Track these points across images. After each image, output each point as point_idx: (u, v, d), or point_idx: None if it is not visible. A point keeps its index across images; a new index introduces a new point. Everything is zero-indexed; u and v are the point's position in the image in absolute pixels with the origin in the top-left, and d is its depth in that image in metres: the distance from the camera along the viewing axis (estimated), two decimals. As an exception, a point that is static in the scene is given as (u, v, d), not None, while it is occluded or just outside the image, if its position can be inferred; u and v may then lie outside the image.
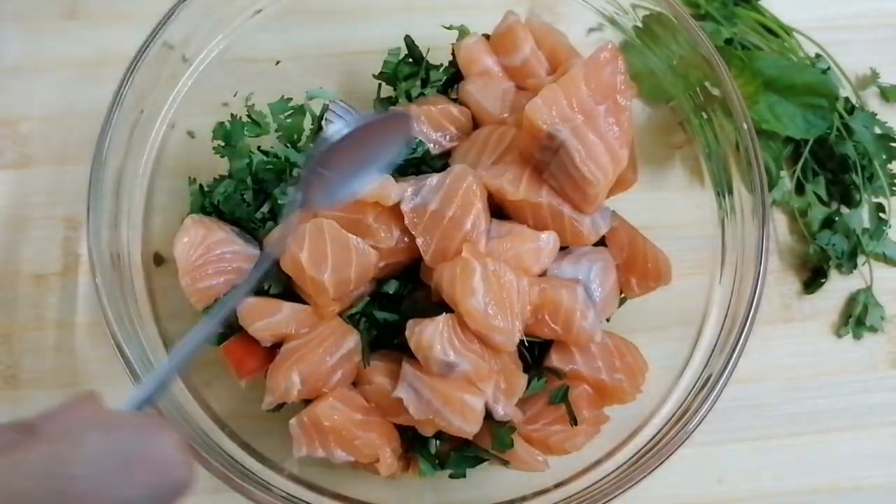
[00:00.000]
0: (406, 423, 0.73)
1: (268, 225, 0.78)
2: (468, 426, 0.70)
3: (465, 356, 0.69)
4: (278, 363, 0.73)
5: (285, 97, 0.83)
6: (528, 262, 0.74)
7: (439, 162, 0.81)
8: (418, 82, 0.86)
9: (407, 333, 0.70)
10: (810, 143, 0.96)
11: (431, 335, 0.68)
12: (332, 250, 0.71)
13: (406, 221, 0.73)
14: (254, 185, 0.80)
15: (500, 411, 0.72)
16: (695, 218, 0.85)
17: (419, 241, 0.73)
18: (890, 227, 0.96)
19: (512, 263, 0.73)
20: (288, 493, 0.71)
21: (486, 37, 0.85)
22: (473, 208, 0.72)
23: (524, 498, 0.75)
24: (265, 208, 0.79)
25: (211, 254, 0.74)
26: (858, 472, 0.90)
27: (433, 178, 0.73)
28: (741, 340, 0.72)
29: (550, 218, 0.75)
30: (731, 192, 0.81)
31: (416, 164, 0.81)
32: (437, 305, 0.73)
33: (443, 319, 0.69)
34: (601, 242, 0.80)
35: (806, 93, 0.93)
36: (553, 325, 0.73)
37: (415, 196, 0.73)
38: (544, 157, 0.73)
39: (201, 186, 0.80)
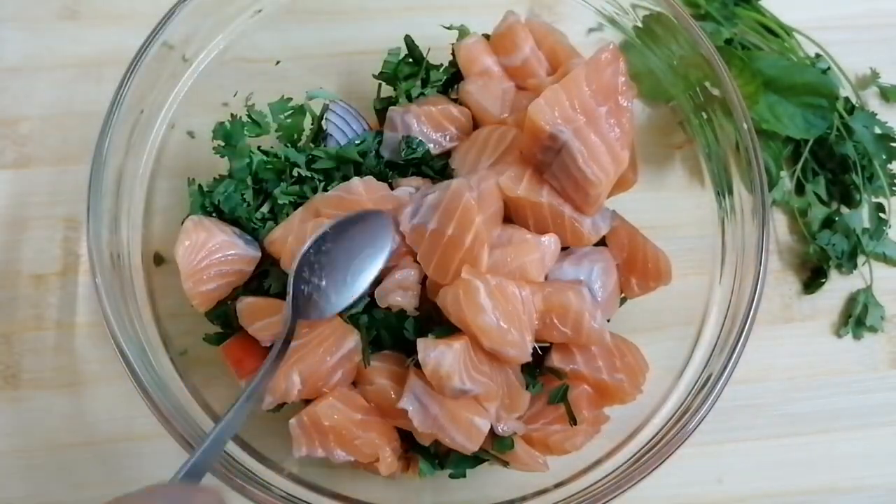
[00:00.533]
0: (405, 428, 0.73)
1: (268, 224, 0.78)
2: (470, 444, 0.71)
3: (477, 381, 0.69)
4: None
5: (285, 97, 0.83)
6: (533, 273, 0.74)
7: (439, 162, 0.81)
8: (418, 82, 0.86)
9: (420, 357, 0.69)
10: (810, 143, 0.96)
11: (451, 366, 0.67)
12: (333, 248, 0.71)
13: (407, 241, 0.73)
14: (254, 185, 0.80)
15: (501, 429, 0.72)
16: (695, 218, 0.85)
17: (421, 261, 0.73)
18: (890, 227, 0.96)
19: (516, 275, 0.73)
20: (288, 493, 0.71)
21: (486, 37, 0.85)
22: (472, 226, 0.71)
23: (524, 498, 0.75)
24: (265, 208, 0.79)
25: (212, 257, 0.74)
26: (858, 472, 0.90)
27: (431, 195, 0.73)
28: (741, 340, 0.72)
29: (551, 218, 0.75)
30: (731, 192, 0.81)
31: (417, 164, 0.81)
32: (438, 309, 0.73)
33: (459, 346, 0.68)
34: (601, 242, 0.80)
35: (806, 93, 0.93)
36: (562, 328, 0.73)
37: (413, 216, 0.73)
38: (546, 158, 0.73)
39: (200, 187, 0.80)
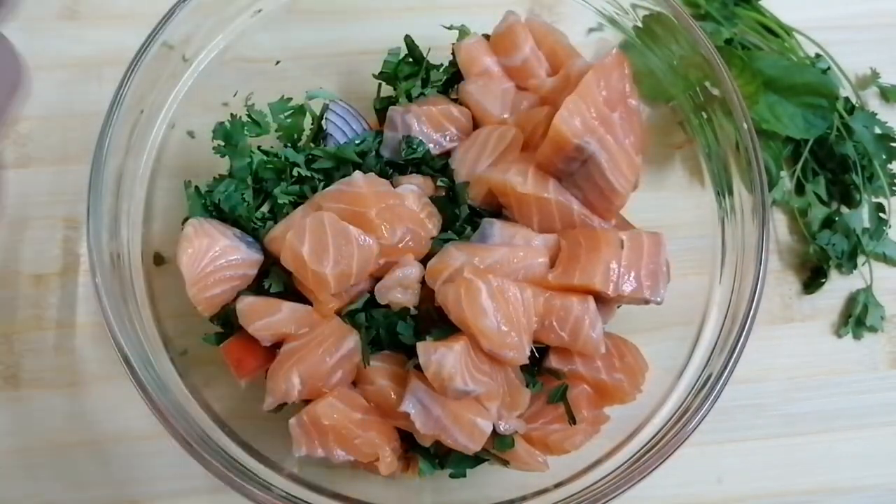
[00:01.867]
0: (406, 428, 0.73)
1: (268, 224, 0.78)
2: (473, 445, 0.71)
3: (479, 382, 0.69)
4: (278, 364, 0.73)
5: (285, 97, 0.83)
6: (537, 274, 0.74)
7: (439, 162, 0.81)
8: (418, 82, 0.86)
9: (422, 361, 0.69)
10: (810, 143, 0.96)
11: (453, 367, 0.67)
12: (334, 242, 0.71)
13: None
14: (254, 185, 0.80)
15: (503, 428, 0.72)
16: (695, 218, 0.85)
17: None
18: (890, 226, 0.96)
19: (518, 275, 0.73)
20: (288, 493, 0.71)
21: (486, 37, 0.85)
22: None
23: (524, 498, 0.75)
24: (265, 207, 0.79)
25: (216, 263, 0.74)
26: (858, 472, 0.90)
27: None
28: (741, 340, 0.72)
29: (559, 214, 0.75)
30: (731, 192, 0.81)
31: (417, 164, 0.81)
32: (437, 308, 0.73)
33: (459, 347, 0.68)
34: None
35: (806, 93, 0.93)
36: (560, 332, 0.73)
37: None
38: (568, 168, 0.73)
39: (197, 189, 0.80)
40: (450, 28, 0.86)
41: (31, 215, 0.92)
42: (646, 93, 0.87)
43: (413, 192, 0.77)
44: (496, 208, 0.79)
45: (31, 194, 0.92)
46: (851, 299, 0.95)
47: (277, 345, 0.75)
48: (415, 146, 0.80)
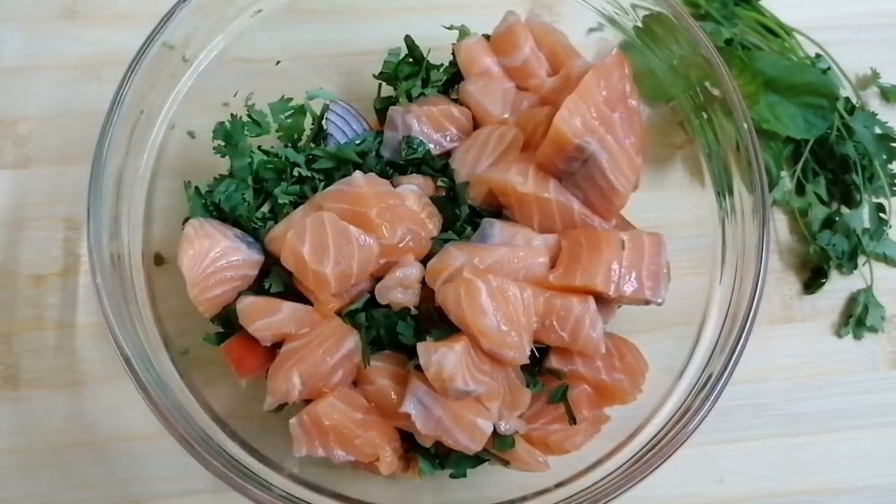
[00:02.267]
0: (406, 428, 0.73)
1: (268, 224, 0.78)
2: (473, 445, 0.71)
3: (480, 382, 0.69)
4: (278, 364, 0.73)
5: (285, 97, 0.83)
6: (537, 274, 0.74)
7: (439, 162, 0.81)
8: (418, 82, 0.86)
9: (422, 361, 0.69)
10: (810, 143, 0.96)
11: (453, 367, 0.67)
12: (334, 242, 0.71)
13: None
14: (254, 185, 0.80)
15: (503, 428, 0.72)
16: (695, 218, 0.85)
17: None
18: (890, 227, 0.96)
19: (519, 275, 0.73)
20: (288, 493, 0.71)
21: (487, 37, 0.85)
22: None
23: (524, 498, 0.75)
24: (265, 207, 0.79)
25: (217, 264, 0.74)
26: (858, 472, 0.90)
27: None
28: (741, 340, 0.72)
29: (559, 214, 0.75)
30: (731, 192, 0.81)
31: (417, 164, 0.81)
32: (437, 308, 0.73)
33: (460, 347, 0.68)
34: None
35: (806, 93, 0.93)
36: (560, 332, 0.73)
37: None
38: (569, 168, 0.73)
39: (197, 189, 0.80)
40: (450, 28, 0.86)
41: (31, 216, 0.92)
42: (646, 93, 0.87)
43: (413, 192, 0.77)
44: (496, 208, 0.79)
45: (30, 195, 0.92)
46: (852, 299, 0.95)
47: (278, 345, 0.75)
48: (415, 146, 0.80)
